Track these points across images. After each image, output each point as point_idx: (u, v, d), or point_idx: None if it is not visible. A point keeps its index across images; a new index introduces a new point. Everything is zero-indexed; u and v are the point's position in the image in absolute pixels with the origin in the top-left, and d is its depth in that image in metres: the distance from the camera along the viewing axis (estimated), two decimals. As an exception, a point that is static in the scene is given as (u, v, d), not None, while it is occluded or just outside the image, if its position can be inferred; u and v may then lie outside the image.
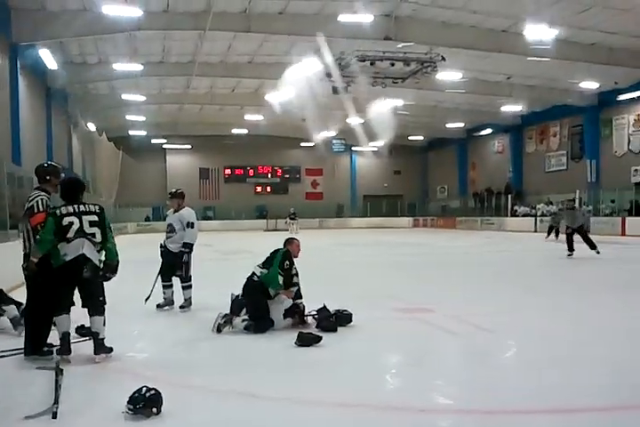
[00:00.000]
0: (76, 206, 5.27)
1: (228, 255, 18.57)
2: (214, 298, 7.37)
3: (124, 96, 29.03)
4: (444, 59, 21.87)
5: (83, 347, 5.59)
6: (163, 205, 43.13)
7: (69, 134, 30.13)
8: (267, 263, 6.53)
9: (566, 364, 5.00)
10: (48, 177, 5.53)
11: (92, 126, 32.92)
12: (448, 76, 25.60)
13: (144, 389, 3.81)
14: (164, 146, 43.50)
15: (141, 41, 22.50)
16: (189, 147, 43.93)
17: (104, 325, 5.22)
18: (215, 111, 36.15)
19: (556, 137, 33.53)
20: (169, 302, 7.72)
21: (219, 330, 6.24)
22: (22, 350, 5.32)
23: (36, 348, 5.28)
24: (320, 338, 5.63)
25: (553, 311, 7.40)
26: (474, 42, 22.05)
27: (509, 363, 5.39)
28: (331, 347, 5.57)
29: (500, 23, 21.60)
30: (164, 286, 7.72)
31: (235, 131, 40.14)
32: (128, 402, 3.73)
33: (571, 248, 14.24)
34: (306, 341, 5.58)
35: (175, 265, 7.65)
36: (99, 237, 5.25)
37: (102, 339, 5.20)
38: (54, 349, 5.29)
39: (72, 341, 5.26)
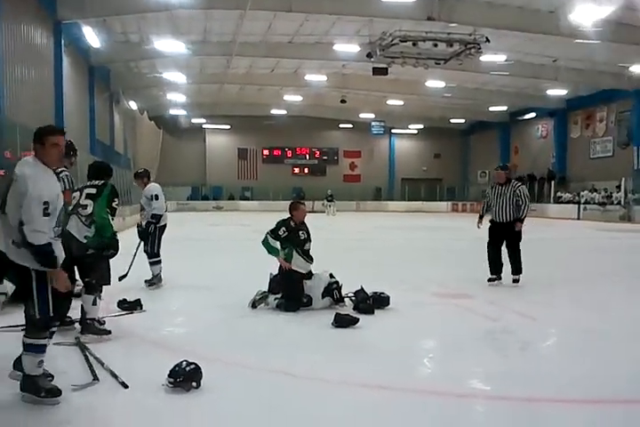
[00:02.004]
0: (85, 183, 5.45)
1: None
2: (253, 276, 7.40)
3: (166, 75, 29.21)
4: (488, 40, 21.34)
5: (124, 321, 5.70)
6: (202, 184, 43.66)
7: (111, 112, 30.50)
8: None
9: (608, 354, 4.89)
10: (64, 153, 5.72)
11: (133, 105, 33.29)
12: (492, 57, 25.00)
13: (184, 363, 3.86)
14: (204, 126, 43.72)
15: (183, 20, 22.52)
16: (228, 127, 44.10)
17: (93, 304, 5.17)
18: (254, 91, 36.13)
19: (603, 122, 32.60)
20: (158, 279, 7.76)
21: (253, 306, 6.39)
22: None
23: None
24: (357, 320, 5.62)
25: (597, 302, 7.22)
26: (520, 23, 21.44)
27: (549, 351, 5.30)
28: (368, 329, 5.56)
29: (547, 4, 20.94)
30: (149, 264, 7.75)
31: (274, 111, 40.11)
32: (168, 375, 3.79)
33: None
34: (343, 322, 5.58)
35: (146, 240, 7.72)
36: (89, 210, 5.17)
37: (91, 319, 5.17)
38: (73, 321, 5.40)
39: (114, 314, 5.35)
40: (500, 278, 8.15)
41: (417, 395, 3.90)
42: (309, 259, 6.59)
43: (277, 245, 6.49)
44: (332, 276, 6.54)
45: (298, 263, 6.47)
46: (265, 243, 6.50)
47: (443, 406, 3.76)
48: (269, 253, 6.53)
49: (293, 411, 3.60)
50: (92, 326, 5.15)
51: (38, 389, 3.65)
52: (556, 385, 4.08)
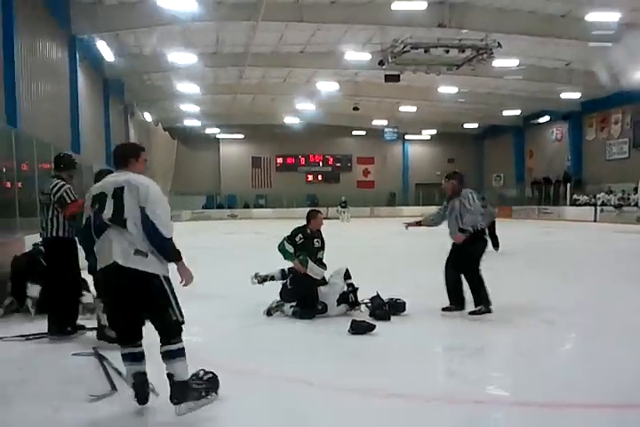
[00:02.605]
0: None
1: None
2: (267, 285, 7.40)
3: (179, 87, 29.47)
4: (500, 45, 21.31)
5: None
6: (216, 192, 43.87)
7: (126, 124, 30.81)
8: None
9: (629, 360, 4.82)
10: (62, 165, 5.88)
11: (147, 116, 33.59)
12: (504, 62, 24.93)
13: (201, 372, 3.89)
14: (218, 136, 44.01)
15: (195, 32, 22.75)
16: (242, 136, 44.32)
17: (104, 312, 5.23)
18: (267, 101, 36.33)
19: (618, 124, 32.34)
20: None
21: (269, 313, 6.49)
22: (45, 334, 5.52)
23: (62, 328, 5.50)
24: (373, 327, 5.62)
25: (618, 307, 7.13)
26: (532, 28, 21.41)
27: (569, 357, 5.27)
28: (384, 336, 5.56)
29: (559, 8, 20.90)
30: None
31: (286, 120, 40.31)
32: None
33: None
34: (359, 329, 5.59)
35: None
36: None
37: (105, 326, 5.22)
38: (86, 330, 5.54)
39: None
40: (460, 309, 6.48)
41: (435, 401, 3.89)
42: (323, 266, 6.66)
43: (292, 250, 6.56)
44: (347, 274, 6.58)
45: (313, 270, 6.53)
46: (281, 248, 6.61)
47: (460, 413, 3.75)
48: (285, 258, 6.63)
49: (310, 420, 3.61)
50: (106, 334, 5.25)
51: (197, 391, 3.67)
52: (576, 391, 4.06)
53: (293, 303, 6.46)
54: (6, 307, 6.56)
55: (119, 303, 3.69)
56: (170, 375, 3.61)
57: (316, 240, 6.68)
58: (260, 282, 7.05)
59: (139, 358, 3.71)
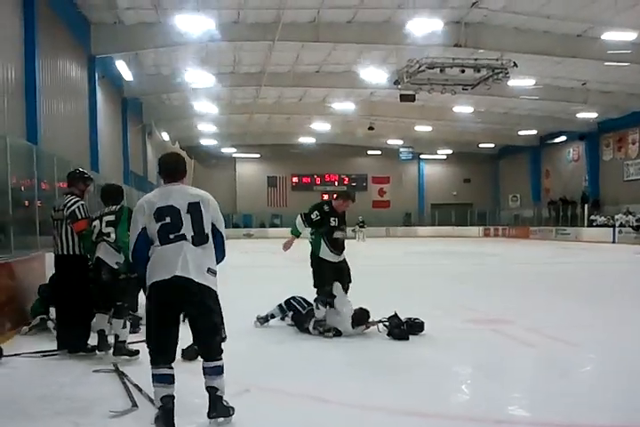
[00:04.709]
0: (102, 210, 5.58)
1: (296, 262, 18.59)
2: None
3: (196, 106, 29.80)
4: (515, 65, 21.34)
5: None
6: (232, 212, 44.05)
7: (144, 143, 31.14)
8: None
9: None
10: (74, 181, 5.84)
11: (165, 136, 33.93)
12: (520, 82, 24.97)
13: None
14: (234, 155, 44.34)
15: (213, 52, 23.05)
16: (258, 156, 44.63)
17: (123, 327, 5.33)
18: (283, 120, 36.60)
19: (635, 144, 32.14)
20: None
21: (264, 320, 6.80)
22: (56, 351, 5.52)
23: (79, 345, 5.48)
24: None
25: (636, 326, 7.04)
26: (547, 47, 21.45)
27: (589, 377, 5.17)
28: (402, 355, 5.51)
29: (574, 28, 20.94)
30: None
31: (302, 139, 40.53)
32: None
33: None
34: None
35: None
36: (113, 237, 5.37)
37: (123, 341, 5.30)
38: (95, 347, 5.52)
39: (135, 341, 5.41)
40: None
41: (454, 421, 3.83)
42: (338, 250, 6.43)
43: (302, 229, 6.41)
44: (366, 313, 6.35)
45: (325, 253, 6.37)
46: (294, 223, 6.50)
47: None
48: (290, 232, 6.52)
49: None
50: (124, 349, 5.29)
51: (232, 409, 3.71)
52: (597, 412, 3.98)
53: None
54: (34, 326, 6.53)
55: (171, 319, 3.64)
56: (214, 390, 3.64)
57: (332, 218, 6.40)
58: (262, 324, 6.93)
59: (172, 380, 3.60)
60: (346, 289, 6.43)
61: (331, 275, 6.29)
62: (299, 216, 6.44)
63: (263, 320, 6.93)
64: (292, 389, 4.42)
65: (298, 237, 6.48)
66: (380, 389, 4.48)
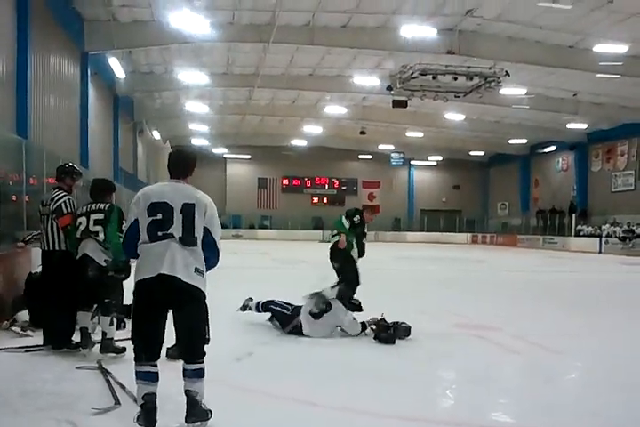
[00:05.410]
0: (89, 206, 5.49)
1: (285, 264, 18.62)
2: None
3: (188, 106, 29.72)
4: (508, 74, 21.50)
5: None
6: (221, 213, 43.84)
7: (135, 141, 30.99)
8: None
9: (633, 388, 4.75)
10: (63, 176, 5.78)
11: (156, 134, 33.82)
12: (512, 91, 25.17)
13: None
14: (225, 155, 44.25)
15: (207, 52, 23.03)
16: (249, 157, 44.57)
17: (111, 325, 5.31)
18: (275, 122, 36.59)
19: (624, 156, 32.42)
20: None
21: (243, 309, 6.99)
22: (42, 346, 5.48)
23: (63, 341, 5.44)
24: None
25: (622, 334, 7.10)
26: (540, 57, 21.62)
27: (574, 385, 5.21)
28: (389, 359, 5.50)
29: (567, 39, 21.12)
30: None
31: (294, 142, 40.54)
32: None
33: None
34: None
35: None
36: (102, 236, 5.32)
37: (110, 339, 5.27)
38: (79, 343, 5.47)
39: (119, 338, 5.37)
40: None
41: (438, 426, 3.84)
42: (362, 253, 7.38)
43: (347, 225, 7.18)
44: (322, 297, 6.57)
45: (354, 253, 7.24)
46: (338, 222, 7.24)
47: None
48: (340, 231, 7.20)
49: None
50: (111, 346, 5.26)
51: (209, 412, 3.57)
52: (579, 418, 4.01)
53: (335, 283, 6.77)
54: (23, 322, 6.43)
55: (156, 317, 3.59)
56: (192, 393, 3.54)
57: (365, 227, 7.37)
58: (243, 311, 7.06)
59: (155, 378, 3.54)
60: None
61: (355, 268, 7.16)
62: (342, 217, 7.27)
63: (242, 309, 7.09)
64: (278, 391, 4.40)
65: (347, 234, 7.22)
66: (365, 392, 4.47)
